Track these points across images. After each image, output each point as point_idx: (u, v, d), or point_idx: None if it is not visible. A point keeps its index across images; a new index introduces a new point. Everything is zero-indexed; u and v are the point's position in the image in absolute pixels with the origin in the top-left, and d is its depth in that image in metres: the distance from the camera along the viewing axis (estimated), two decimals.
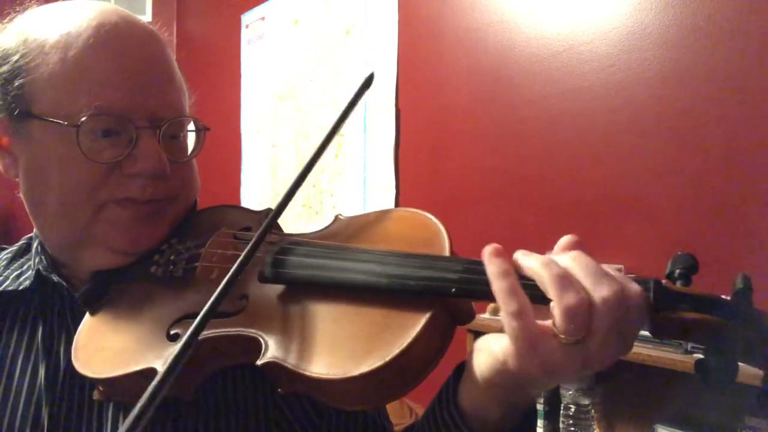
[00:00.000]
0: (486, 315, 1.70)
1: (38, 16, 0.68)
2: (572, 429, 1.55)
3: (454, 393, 0.55)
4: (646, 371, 1.45)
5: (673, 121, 1.57)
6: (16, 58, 0.65)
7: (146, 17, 3.61)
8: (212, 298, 0.50)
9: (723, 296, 0.46)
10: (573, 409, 1.56)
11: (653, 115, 1.61)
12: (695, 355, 1.31)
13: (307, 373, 0.50)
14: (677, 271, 0.48)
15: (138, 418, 0.42)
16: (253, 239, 0.54)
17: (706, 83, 1.51)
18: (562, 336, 0.43)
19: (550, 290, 0.44)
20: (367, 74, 0.62)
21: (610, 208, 1.69)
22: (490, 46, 2.00)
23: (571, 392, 1.60)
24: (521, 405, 0.53)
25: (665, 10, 1.58)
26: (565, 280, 0.44)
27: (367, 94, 2.50)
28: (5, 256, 0.78)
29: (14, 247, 0.79)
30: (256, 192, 3.05)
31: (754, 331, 0.45)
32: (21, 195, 0.70)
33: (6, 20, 0.70)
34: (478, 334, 1.48)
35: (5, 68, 0.66)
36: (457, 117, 2.12)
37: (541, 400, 1.68)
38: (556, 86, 1.81)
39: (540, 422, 1.69)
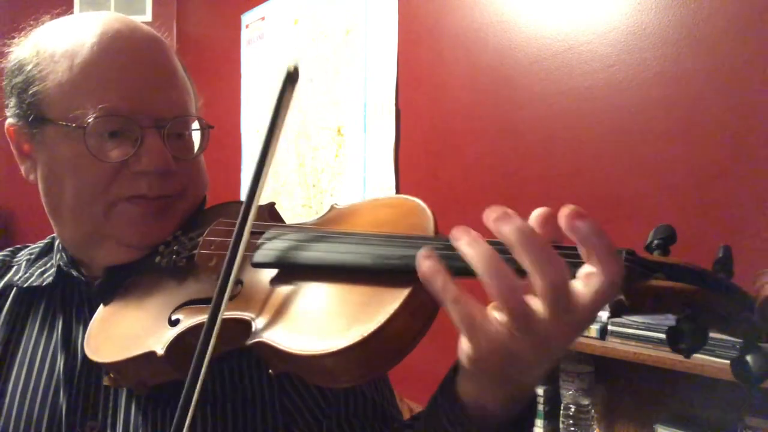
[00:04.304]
0: None
1: (50, 29, 0.73)
2: (572, 429, 1.55)
3: (452, 384, 0.56)
4: (646, 371, 1.45)
5: (672, 120, 1.57)
6: (29, 68, 0.70)
7: (146, 17, 3.61)
8: (219, 280, 0.53)
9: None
10: (573, 409, 1.56)
11: (653, 115, 1.61)
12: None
13: (290, 350, 0.52)
14: (655, 241, 0.48)
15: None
16: (238, 221, 0.56)
17: (706, 83, 1.51)
18: (508, 323, 0.44)
19: (481, 279, 0.44)
20: (288, 67, 0.55)
21: (609, 207, 1.69)
22: (490, 46, 2.00)
23: (571, 392, 1.60)
24: (518, 397, 0.54)
25: (665, 10, 1.58)
26: (493, 269, 0.44)
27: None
28: (28, 253, 0.83)
29: (39, 245, 0.84)
30: None
31: (727, 299, 0.45)
32: (42, 199, 0.75)
33: (23, 34, 0.75)
34: None
35: (20, 78, 0.71)
36: (457, 117, 2.12)
37: (541, 400, 1.68)
38: (556, 86, 1.81)
39: (540, 422, 1.69)
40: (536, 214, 0.48)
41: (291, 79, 0.55)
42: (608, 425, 1.64)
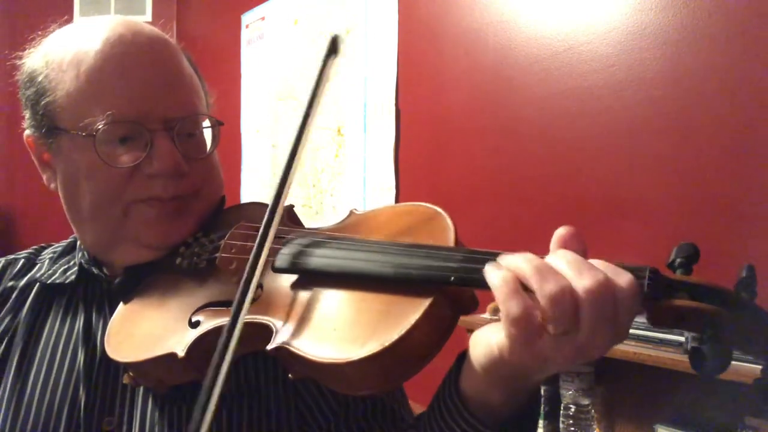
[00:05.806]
0: (486, 315, 1.70)
1: (57, 38, 0.74)
2: (572, 429, 1.55)
3: (456, 379, 0.57)
4: (646, 371, 1.45)
5: (672, 120, 1.57)
6: (40, 79, 0.72)
7: (146, 17, 3.61)
8: (240, 288, 0.53)
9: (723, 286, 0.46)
10: (573, 409, 1.56)
11: (653, 115, 1.61)
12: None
13: (312, 358, 0.52)
14: (678, 260, 0.48)
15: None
16: (262, 227, 0.56)
17: (706, 83, 1.51)
18: (551, 327, 0.44)
19: (532, 282, 0.44)
20: (330, 38, 0.60)
21: (609, 207, 1.69)
22: (490, 46, 2.00)
23: (571, 392, 1.60)
24: (523, 390, 0.54)
25: (665, 10, 1.58)
26: (545, 270, 0.45)
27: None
28: (51, 251, 0.86)
29: (63, 243, 0.87)
30: (256, 192, 3.05)
31: (751, 321, 0.45)
32: (63, 206, 0.77)
33: (33, 44, 0.76)
34: None
35: (32, 90, 0.73)
36: (456, 117, 2.12)
37: (541, 400, 1.68)
38: (556, 86, 1.81)
39: (540, 422, 1.69)
40: (557, 236, 0.49)
41: (333, 49, 0.58)
42: (608, 425, 1.64)
